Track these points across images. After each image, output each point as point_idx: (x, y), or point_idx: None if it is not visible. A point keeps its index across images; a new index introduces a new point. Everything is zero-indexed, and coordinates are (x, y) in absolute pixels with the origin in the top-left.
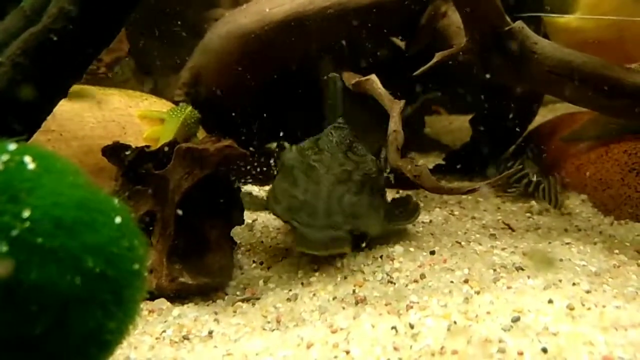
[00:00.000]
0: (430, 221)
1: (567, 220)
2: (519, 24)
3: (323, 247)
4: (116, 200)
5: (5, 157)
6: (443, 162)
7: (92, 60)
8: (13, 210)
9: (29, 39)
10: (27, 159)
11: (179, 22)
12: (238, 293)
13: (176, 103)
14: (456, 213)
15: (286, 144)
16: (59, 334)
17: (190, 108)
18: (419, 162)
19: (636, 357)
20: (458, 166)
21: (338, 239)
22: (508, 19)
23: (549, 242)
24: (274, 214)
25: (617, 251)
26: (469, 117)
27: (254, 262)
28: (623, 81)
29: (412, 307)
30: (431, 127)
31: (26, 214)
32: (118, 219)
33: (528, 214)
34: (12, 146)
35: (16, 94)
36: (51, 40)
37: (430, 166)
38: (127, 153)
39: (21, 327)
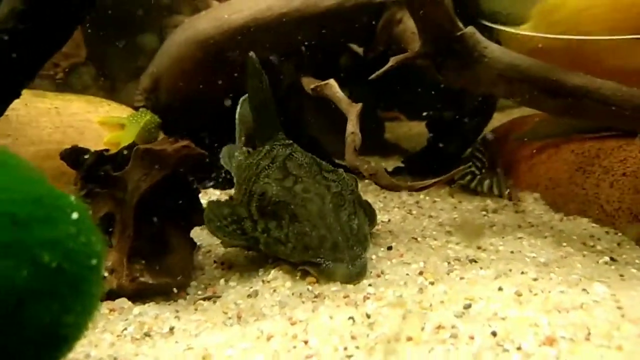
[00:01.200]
0: (389, 220)
1: (521, 217)
2: (470, 29)
3: (356, 278)
4: (73, 197)
5: None
6: (402, 165)
7: (45, 61)
8: None
9: None
10: None
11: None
12: (199, 292)
13: (136, 109)
14: (414, 212)
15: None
16: (15, 328)
17: (150, 114)
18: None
19: (576, 336)
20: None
21: (364, 266)
22: (460, 24)
23: (502, 237)
24: (277, 256)
25: (564, 244)
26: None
27: (214, 262)
28: (565, 82)
29: (369, 298)
30: (392, 132)
31: None
32: (75, 215)
33: (483, 212)
34: None
35: None
36: (2, 40)
37: (390, 169)
38: (86, 157)
39: None
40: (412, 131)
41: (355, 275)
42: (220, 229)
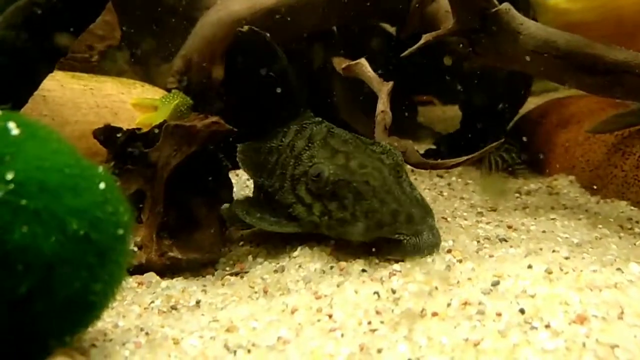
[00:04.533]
0: None
1: (555, 199)
2: (505, 5)
3: (435, 248)
4: (100, 168)
5: None
6: (434, 147)
7: (77, 36)
8: None
9: (14, 13)
10: (11, 125)
11: (172, 11)
12: (227, 268)
13: (169, 90)
14: (445, 194)
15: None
16: (44, 294)
17: (182, 95)
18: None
19: (608, 315)
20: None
21: (439, 236)
22: (495, 0)
23: (535, 218)
24: (345, 238)
25: (600, 226)
26: None
27: (243, 239)
28: (604, 58)
29: (394, 275)
30: (425, 116)
31: (10, 176)
32: (102, 185)
33: (517, 194)
34: None
35: (5, 67)
36: (36, 14)
37: (422, 151)
38: (119, 135)
39: (6, 286)
40: (445, 114)
41: (436, 244)
42: (263, 220)
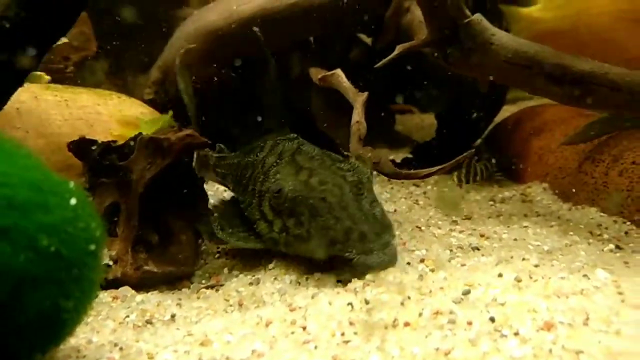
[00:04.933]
0: (395, 210)
1: (528, 207)
2: (477, 16)
3: (390, 266)
4: (71, 183)
5: None
6: (410, 156)
7: (47, 49)
8: None
9: None
10: None
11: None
12: (203, 281)
13: (145, 101)
14: (420, 202)
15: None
16: (14, 312)
17: (170, 119)
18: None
19: (574, 321)
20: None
21: (395, 253)
22: (467, 11)
23: (508, 226)
24: (301, 255)
25: (571, 233)
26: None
27: (218, 251)
28: (572, 68)
29: (368, 285)
30: (403, 124)
31: None
32: (73, 201)
33: (491, 202)
34: None
35: None
36: (3, 29)
37: (399, 160)
38: (93, 148)
39: None
40: (423, 123)
41: (388, 262)
42: (232, 235)
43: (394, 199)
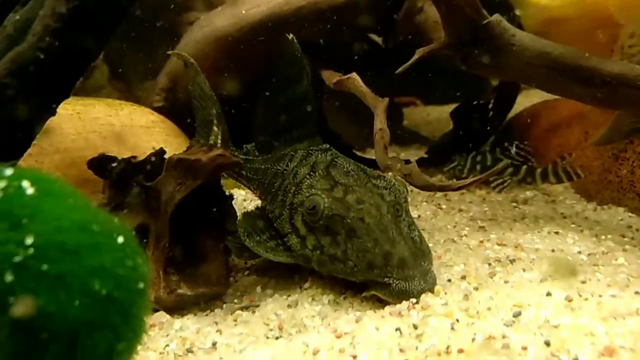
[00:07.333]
0: (419, 216)
1: (552, 208)
2: (496, 17)
3: (428, 292)
4: (116, 220)
5: (3, 184)
6: (426, 156)
7: (79, 76)
8: (16, 237)
9: (15, 59)
10: (26, 183)
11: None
12: (236, 301)
13: (154, 108)
14: (443, 207)
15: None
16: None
17: None
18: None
19: (636, 346)
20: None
21: (434, 281)
22: (485, 12)
23: (538, 232)
24: (335, 275)
25: (603, 237)
26: (446, 107)
27: (248, 268)
28: (600, 70)
29: (413, 308)
30: (409, 119)
31: (29, 240)
32: (120, 239)
33: (514, 204)
34: (9, 171)
35: (5, 115)
36: (38, 59)
37: (411, 158)
38: (114, 165)
39: (32, 356)
40: (430, 116)
41: (429, 290)
42: (260, 244)
43: (415, 202)
